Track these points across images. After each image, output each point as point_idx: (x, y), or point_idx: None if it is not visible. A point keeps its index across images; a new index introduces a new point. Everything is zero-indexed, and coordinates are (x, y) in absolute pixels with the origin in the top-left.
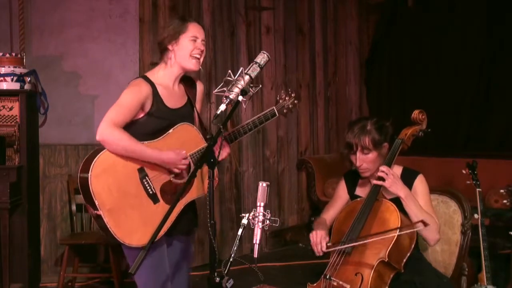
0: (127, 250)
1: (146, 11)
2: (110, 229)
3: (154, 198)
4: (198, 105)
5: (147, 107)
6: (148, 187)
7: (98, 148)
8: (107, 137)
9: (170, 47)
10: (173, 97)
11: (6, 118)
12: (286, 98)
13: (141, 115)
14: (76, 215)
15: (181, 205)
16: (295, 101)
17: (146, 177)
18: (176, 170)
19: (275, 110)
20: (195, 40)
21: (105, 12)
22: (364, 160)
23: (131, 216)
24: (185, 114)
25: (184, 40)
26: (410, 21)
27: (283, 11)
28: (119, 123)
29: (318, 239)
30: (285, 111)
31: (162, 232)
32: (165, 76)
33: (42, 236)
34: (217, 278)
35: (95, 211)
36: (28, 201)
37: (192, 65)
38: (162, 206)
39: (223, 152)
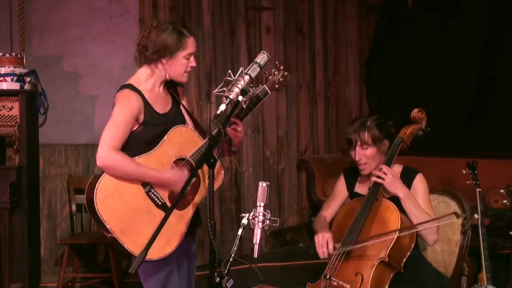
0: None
1: (146, 11)
2: (128, 249)
3: (164, 208)
4: (183, 101)
5: (141, 117)
6: (156, 199)
7: (97, 173)
8: (109, 163)
9: (163, 60)
10: (160, 101)
11: (6, 118)
12: (275, 73)
13: (136, 126)
14: (76, 215)
15: (194, 206)
16: (285, 73)
17: (152, 190)
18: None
19: (267, 89)
20: (189, 58)
21: (105, 12)
22: (363, 155)
23: (145, 232)
24: (176, 115)
25: (180, 57)
26: (410, 21)
27: (283, 11)
28: (117, 145)
29: (324, 242)
30: (276, 86)
31: (181, 238)
32: (150, 82)
33: (42, 236)
34: (217, 278)
35: (109, 234)
36: (28, 201)
37: (185, 78)
38: (173, 213)
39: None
